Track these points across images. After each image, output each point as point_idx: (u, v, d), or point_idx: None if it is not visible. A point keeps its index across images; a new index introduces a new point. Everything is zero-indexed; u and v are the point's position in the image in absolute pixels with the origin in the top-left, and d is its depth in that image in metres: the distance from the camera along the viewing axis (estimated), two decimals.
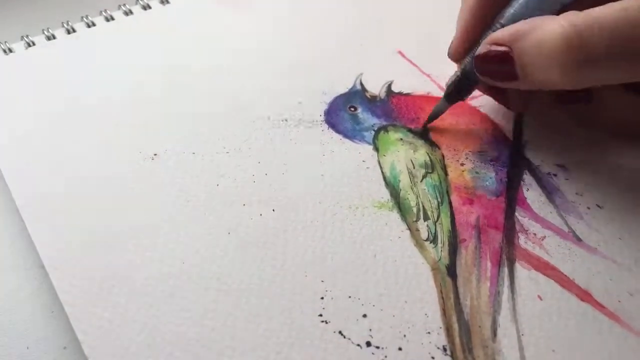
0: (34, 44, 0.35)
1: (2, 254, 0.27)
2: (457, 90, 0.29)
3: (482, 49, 0.26)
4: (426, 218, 0.27)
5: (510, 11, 0.26)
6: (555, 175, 0.29)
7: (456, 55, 0.29)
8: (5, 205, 0.29)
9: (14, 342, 0.24)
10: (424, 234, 0.26)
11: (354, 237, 0.26)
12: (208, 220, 0.27)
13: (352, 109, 0.32)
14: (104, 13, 0.37)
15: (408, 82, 0.33)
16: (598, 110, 0.29)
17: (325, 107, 0.32)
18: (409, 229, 0.26)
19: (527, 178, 0.28)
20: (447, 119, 0.31)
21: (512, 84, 0.26)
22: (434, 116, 0.31)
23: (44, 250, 0.25)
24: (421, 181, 0.28)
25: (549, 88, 0.26)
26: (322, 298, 0.24)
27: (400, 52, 0.35)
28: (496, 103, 0.31)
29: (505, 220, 0.27)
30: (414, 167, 0.29)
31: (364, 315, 0.24)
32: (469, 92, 0.30)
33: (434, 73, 0.34)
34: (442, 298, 0.24)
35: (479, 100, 0.32)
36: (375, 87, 0.33)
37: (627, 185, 0.28)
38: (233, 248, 0.26)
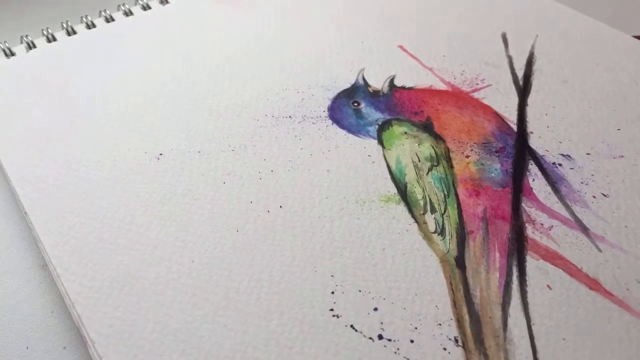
0: (34, 45, 0.35)
1: (2, 254, 0.27)
2: None
3: None
4: (433, 211, 0.27)
5: None
6: (560, 164, 0.29)
7: None
8: (6, 206, 0.29)
9: (14, 342, 0.24)
10: (431, 227, 0.26)
11: (362, 231, 0.26)
12: (216, 218, 0.27)
13: (356, 104, 0.32)
14: (103, 13, 0.37)
15: (410, 77, 0.33)
16: None
17: (328, 103, 0.32)
18: (417, 222, 0.27)
19: (533, 168, 0.29)
20: (450, 111, 0.31)
21: None
22: None
23: (54, 251, 0.25)
24: (427, 174, 0.28)
25: None
26: (333, 292, 0.24)
27: (401, 47, 0.35)
28: (499, 94, 0.31)
29: (512, 211, 0.27)
30: (419, 161, 0.29)
31: (375, 309, 0.24)
32: None
33: (436, 67, 0.34)
34: (452, 290, 0.24)
35: (482, 92, 0.32)
36: (377, 82, 0.33)
37: (631, 174, 0.28)
38: (242, 245, 0.26)
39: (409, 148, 0.29)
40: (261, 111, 0.31)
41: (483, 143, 0.30)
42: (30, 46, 0.35)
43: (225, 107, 0.32)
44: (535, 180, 0.28)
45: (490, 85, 0.33)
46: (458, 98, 0.32)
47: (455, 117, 0.31)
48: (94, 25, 0.37)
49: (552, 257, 0.25)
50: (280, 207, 0.27)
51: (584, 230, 0.26)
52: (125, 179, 0.28)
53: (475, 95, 0.32)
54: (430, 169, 0.28)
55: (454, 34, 0.36)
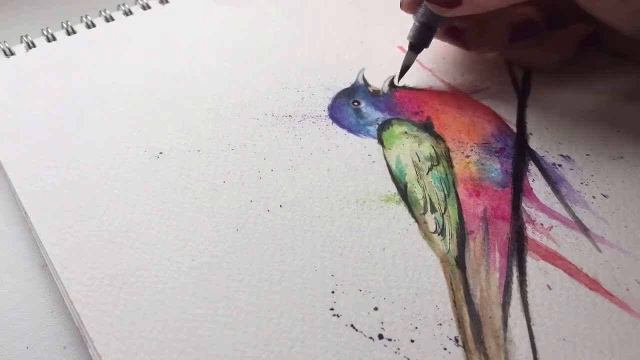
0: (34, 45, 0.35)
1: (2, 254, 0.27)
2: (420, 40, 0.31)
3: None
4: (433, 210, 0.27)
5: None
6: (560, 165, 0.29)
7: (408, 5, 0.31)
8: (6, 205, 0.29)
9: (14, 342, 0.24)
10: (431, 227, 0.26)
11: (362, 230, 0.26)
12: (216, 217, 0.27)
13: (356, 104, 0.32)
14: (103, 13, 0.37)
15: (410, 78, 0.33)
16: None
17: (328, 102, 0.32)
18: (417, 221, 0.27)
19: (533, 169, 0.29)
20: (450, 112, 0.31)
21: (457, 10, 0.29)
22: (404, 69, 0.33)
23: (53, 250, 0.25)
24: (427, 174, 0.28)
25: (487, 9, 0.29)
26: (333, 292, 0.24)
27: (401, 48, 0.35)
28: (498, 96, 0.31)
29: (512, 211, 0.27)
30: (419, 160, 0.29)
31: (375, 309, 0.24)
32: (430, 39, 0.32)
33: (435, 68, 0.34)
34: (452, 290, 0.24)
35: (482, 93, 0.32)
36: (377, 83, 0.33)
37: (630, 175, 0.28)
38: (242, 244, 0.26)
39: (409, 148, 0.30)
40: (261, 110, 0.31)
41: (483, 143, 0.30)
42: (30, 46, 0.35)
43: (225, 106, 0.32)
44: (535, 181, 0.28)
45: (490, 86, 0.33)
46: (458, 99, 0.32)
47: (455, 118, 0.31)
48: (93, 25, 0.37)
49: (552, 258, 0.25)
50: (280, 206, 0.27)
51: (584, 230, 0.26)
52: (125, 178, 0.28)
53: (475, 96, 0.32)
54: (430, 169, 0.29)
55: None
